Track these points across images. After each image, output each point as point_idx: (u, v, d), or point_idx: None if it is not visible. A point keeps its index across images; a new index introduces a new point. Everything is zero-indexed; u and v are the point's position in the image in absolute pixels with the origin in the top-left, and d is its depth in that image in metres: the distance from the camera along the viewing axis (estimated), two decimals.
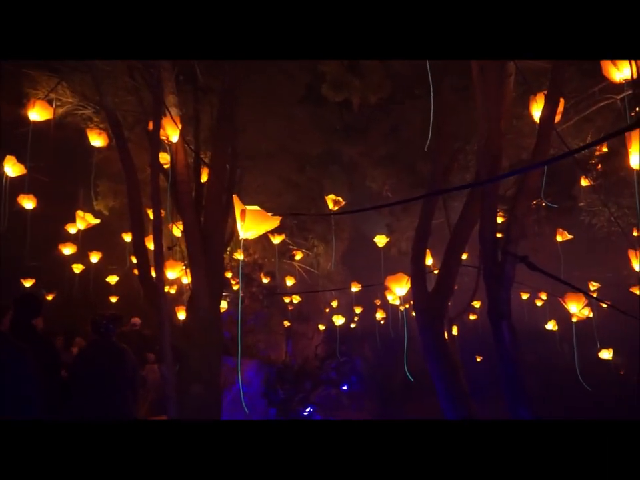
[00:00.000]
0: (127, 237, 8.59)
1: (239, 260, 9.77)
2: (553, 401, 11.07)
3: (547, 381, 12.26)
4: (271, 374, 8.42)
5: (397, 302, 9.99)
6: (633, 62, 3.82)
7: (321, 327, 16.85)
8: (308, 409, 9.76)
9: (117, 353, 3.76)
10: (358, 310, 15.67)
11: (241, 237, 3.19)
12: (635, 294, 9.14)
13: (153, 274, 5.10)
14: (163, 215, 8.19)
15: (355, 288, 11.76)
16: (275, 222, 3.14)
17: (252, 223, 3.09)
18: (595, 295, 11.60)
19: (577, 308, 6.64)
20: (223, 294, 10.31)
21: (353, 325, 17.40)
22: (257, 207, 3.14)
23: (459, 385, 4.97)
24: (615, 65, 4.28)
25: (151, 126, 4.93)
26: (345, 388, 13.17)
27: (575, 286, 4.43)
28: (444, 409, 4.89)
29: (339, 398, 10.30)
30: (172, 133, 5.11)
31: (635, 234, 9.64)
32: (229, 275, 10.73)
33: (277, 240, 9.20)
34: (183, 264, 7.04)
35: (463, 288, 9.51)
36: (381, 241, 9.26)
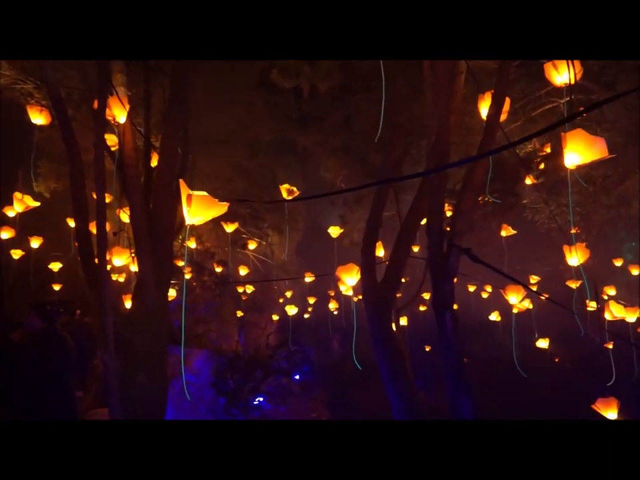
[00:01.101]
0: (72, 222, 8.19)
1: (190, 248, 9.56)
2: (494, 388, 11.66)
3: (489, 369, 12.86)
4: (220, 363, 8.33)
5: (350, 292, 10.15)
6: (571, 66, 4.01)
7: (275, 317, 16.87)
8: (258, 398, 9.76)
9: (64, 341, 3.66)
10: (312, 300, 15.79)
11: (187, 223, 3.11)
12: (570, 287, 9.73)
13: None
14: (109, 199, 7.87)
15: (309, 278, 11.83)
16: (222, 208, 3.08)
17: (198, 209, 3.03)
18: (533, 288, 12.29)
19: (516, 299, 7.00)
20: (174, 282, 10.09)
21: (306, 316, 17.54)
22: (204, 193, 3.08)
23: (405, 372, 5.12)
24: (556, 68, 4.49)
25: (96, 105, 4.69)
26: (297, 377, 13.29)
27: (515, 278, 4.65)
28: (389, 395, 5.03)
29: (290, 387, 10.37)
30: (119, 113, 4.89)
31: (573, 231, 10.29)
32: (181, 263, 10.49)
33: (230, 228, 9.07)
34: (130, 251, 6.81)
35: (415, 280, 9.79)
36: (334, 231, 9.34)
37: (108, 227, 7.50)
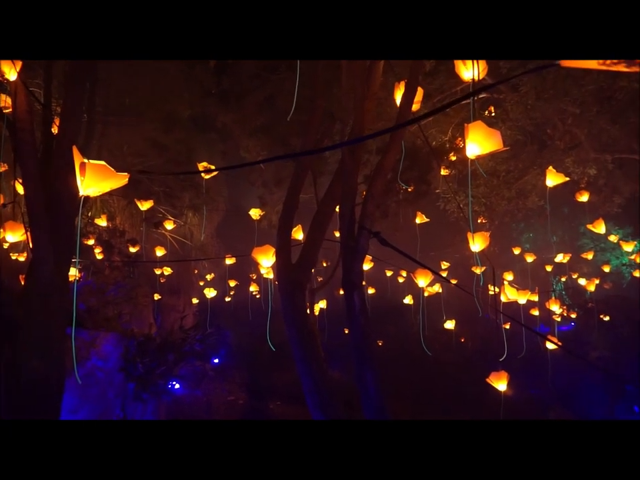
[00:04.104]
0: None
1: (99, 226, 8.95)
2: (406, 366, 12.40)
3: (402, 348, 13.61)
4: (130, 347, 7.95)
5: (271, 275, 10.16)
6: (476, 63, 4.26)
7: (195, 301, 16.43)
8: (172, 383, 9.49)
9: None
10: (232, 283, 15.58)
11: (80, 194, 2.90)
12: (475, 272, 10.51)
13: None
14: (3, 168, 7.08)
15: (229, 260, 11.65)
16: (121, 180, 2.90)
17: (93, 179, 2.83)
18: (444, 273, 13.14)
19: (424, 283, 7.42)
20: (82, 261, 9.40)
21: (227, 299, 17.30)
22: (101, 162, 2.88)
23: (316, 352, 5.24)
24: (464, 64, 4.75)
25: None
26: (216, 361, 13.10)
27: (421, 262, 4.92)
28: (300, 374, 5.13)
29: (206, 370, 10.20)
30: (8, 69, 4.38)
31: (479, 220, 11.10)
32: (90, 242, 9.80)
33: (144, 206, 8.61)
34: (25, 225, 6.22)
35: (335, 264, 10.02)
36: (255, 213, 9.25)
37: (1, 198, 6.79)
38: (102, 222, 10.02)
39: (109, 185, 2.90)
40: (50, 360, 4.86)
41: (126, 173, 2.91)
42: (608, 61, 1.41)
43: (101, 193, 3.02)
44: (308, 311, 5.69)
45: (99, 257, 9.57)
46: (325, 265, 15.49)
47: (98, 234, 9.81)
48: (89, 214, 10.56)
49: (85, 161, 2.80)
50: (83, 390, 7.85)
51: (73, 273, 6.27)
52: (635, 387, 9.78)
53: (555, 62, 1.55)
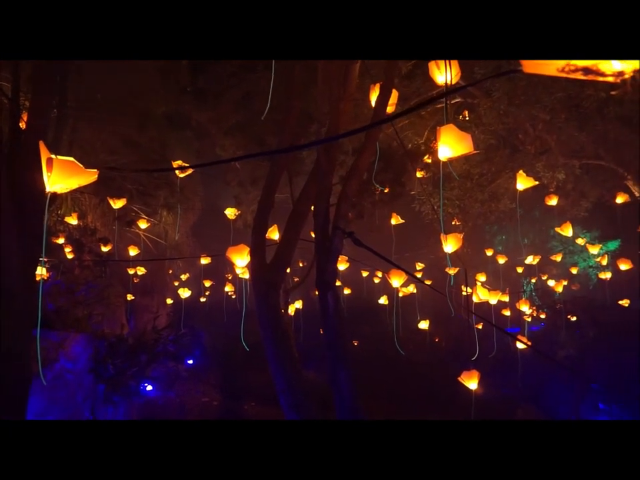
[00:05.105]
0: None
1: (69, 224, 8.72)
2: (381, 366, 12.50)
3: (377, 349, 13.71)
4: (101, 348, 7.77)
5: (247, 275, 10.10)
6: (449, 67, 4.35)
7: (169, 301, 16.18)
8: (145, 384, 9.33)
9: None
10: (208, 283, 15.41)
11: (47, 190, 2.83)
12: (449, 273, 10.68)
13: None
14: None
15: (204, 260, 11.52)
16: (90, 176, 2.84)
17: (61, 175, 2.76)
18: (418, 275, 13.31)
19: (398, 283, 7.51)
20: (51, 261, 9.13)
21: (203, 299, 17.10)
22: (69, 158, 2.81)
23: (290, 351, 5.23)
24: (438, 68, 4.84)
25: None
26: (190, 362, 12.92)
27: (394, 263, 4.99)
28: (273, 374, 5.11)
29: (179, 371, 10.05)
30: None
31: (453, 222, 11.30)
32: (60, 240, 9.52)
33: (117, 205, 8.42)
34: None
35: (311, 264, 10.03)
36: (231, 213, 9.17)
37: None
38: (72, 220, 9.75)
39: (77, 181, 2.84)
40: (15, 362, 4.71)
41: (95, 170, 2.85)
42: (566, 68, 1.46)
43: (68, 190, 2.95)
44: (282, 311, 5.68)
45: (70, 256, 9.32)
46: (301, 265, 15.48)
47: (68, 232, 9.56)
48: (59, 212, 10.27)
49: (53, 156, 2.73)
50: (51, 393, 7.63)
51: (41, 272, 6.09)
52: (600, 385, 10.13)
53: (518, 68, 1.60)
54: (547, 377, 11.27)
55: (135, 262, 11.91)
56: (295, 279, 12.78)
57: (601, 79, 1.39)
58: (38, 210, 5.26)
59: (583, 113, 7.98)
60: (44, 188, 5.53)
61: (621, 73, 1.35)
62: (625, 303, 12.45)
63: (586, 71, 1.40)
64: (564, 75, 1.50)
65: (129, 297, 12.96)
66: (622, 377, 9.91)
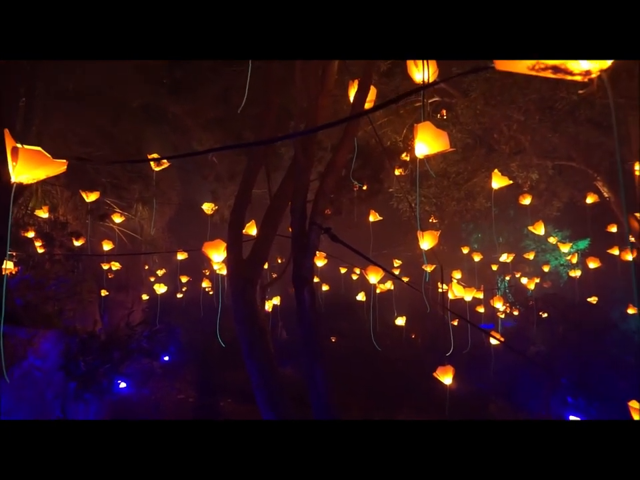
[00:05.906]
0: None
1: (39, 217, 8.46)
2: (357, 362, 12.58)
3: (355, 345, 13.79)
4: (72, 345, 7.58)
5: (224, 271, 10.00)
6: (426, 65, 4.38)
7: (144, 297, 15.90)
8: (118, 382, 9.15)
9: None
10: (184, 279, 15.22)
11: (12, 181, 2.73)
12: (425, 270, 10.81)
13: None
14: None
15: (181, 255, 11.36)
16: (58, 167, 2.75)
17: (27, 165, 2.67)
18: (396, 271, 13.44)
19: (375, 279, 7.55)
20: (19, 254, 8.85)
21: (179, 295, 16.87)
22: (36, 147, 2.72)
23: (266, 347, 5.21)
24: (416, 66, 4.87)
25: None
26: (166, 358, 12.73)
27: (371, 259, 5.00)
28: (249, 370, 5.08)
29: (154, 368, 9.89)
30: None
31: (430, 220, 11.43)
32: (30, 234, 9.23)
33: (89, 198, 8.22)
34: None
35: (288, 260, 10.01)
36: (208, 208, 9.06)
37: None
38: (43, 213, 9.47)
39: (44, 171, 2.75)
40: None
41: (64, 160, 2.76)
42: (537, 66, 1.48)
43: (35, 180, 2.85)
44: (259, 307, 5.65)
45: (40, 250, 9.06)
46: (279, 261, 15.43)
47: (38, 226, 9.28)
48: (29, 205, 9.96)
49: (18, 145, 2.64)
50: (18, 391, 7.40)
51: (5, 265, 5.90)
52: (569, 380, 10.44)
53: (490, 64, 1.62)
54: (519, 372, 11.55)
55: (109, 257, 11.66)
56: (273, 275, 12.74)
57: (569, 77, 1.42)
58: (3, 202, 5.10)
59: (556, 114, 8.17)
60: (8, 178, 5.37)
61: (588, 72, 1.38)
62: (593, 300, 12.84)
63: (555, 69, 1.43)
64: (534, 73, 1.52)
65: (103, 292, 12.69)
66: (589, 372, 10.25)
